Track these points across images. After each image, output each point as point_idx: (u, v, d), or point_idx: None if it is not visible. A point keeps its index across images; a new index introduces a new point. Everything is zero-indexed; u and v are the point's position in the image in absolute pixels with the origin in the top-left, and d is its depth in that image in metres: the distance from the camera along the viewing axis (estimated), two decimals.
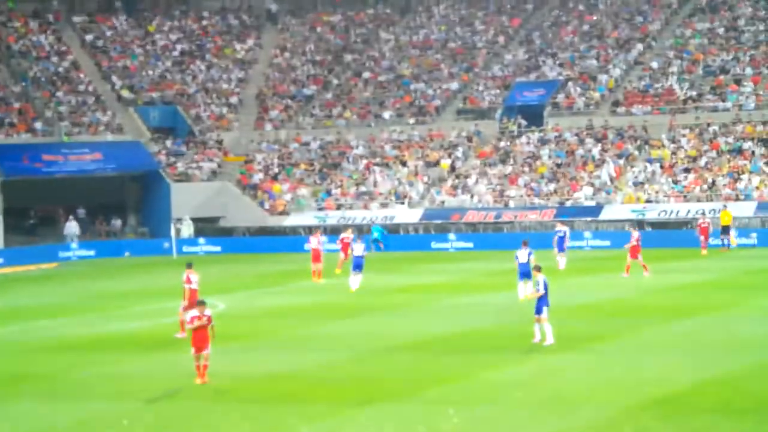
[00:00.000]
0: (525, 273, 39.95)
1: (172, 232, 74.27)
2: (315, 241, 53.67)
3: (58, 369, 31.03)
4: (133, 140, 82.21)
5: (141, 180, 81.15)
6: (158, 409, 25.58)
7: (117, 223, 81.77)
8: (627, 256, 50.09)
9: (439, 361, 30.27)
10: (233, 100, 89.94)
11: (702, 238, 60.71)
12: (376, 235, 70.45)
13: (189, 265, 36.64)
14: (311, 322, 39.01)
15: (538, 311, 31.62)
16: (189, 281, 35.90)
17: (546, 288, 31.56)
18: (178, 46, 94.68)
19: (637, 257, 49.75)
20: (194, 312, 28.15)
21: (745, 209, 66.94)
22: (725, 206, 63.91)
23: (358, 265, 47.30)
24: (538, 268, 32.23)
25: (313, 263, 52.99)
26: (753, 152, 72.12)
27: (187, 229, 76.51)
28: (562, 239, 53.52)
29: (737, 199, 68.12)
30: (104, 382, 28.94)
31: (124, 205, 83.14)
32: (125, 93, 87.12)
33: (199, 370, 28.02)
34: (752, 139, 73.34)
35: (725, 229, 62.27)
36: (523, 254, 40.74)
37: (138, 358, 32.38)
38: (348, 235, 54.98)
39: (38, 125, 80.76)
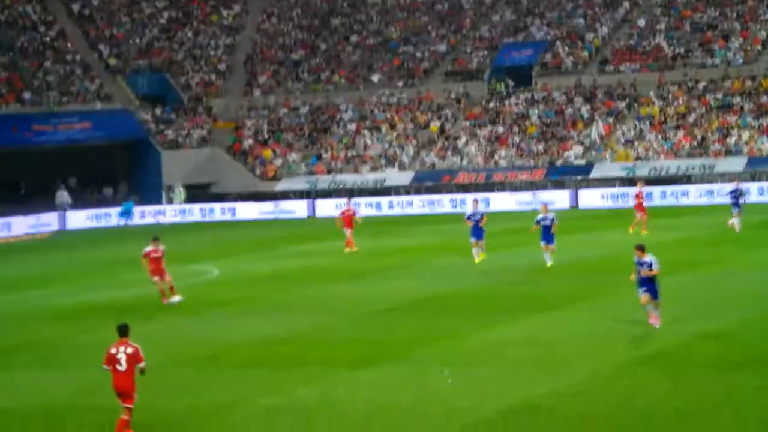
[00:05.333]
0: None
1: (164, 199, 74.23)
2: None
3: (53, 337, 31.09)
4: (122, 108, 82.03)
5: (131, 148, 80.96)
6: (153, 376, 25.60)
7: (108, 191, 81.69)
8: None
9: (432, 322, 30.38)
10: (221, 66, 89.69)
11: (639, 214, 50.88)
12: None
13: (155, 238, 37.01)
14: (305, 285, 39.09)
15: (648, 291, 27.57)
16: (154, 252, 36.28)
17: (652, 267, 27.50)
18: (165, 14, 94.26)
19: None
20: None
21: (736, 165, 67.11)
22: None
23: None
24: (642, 248, 27.80)
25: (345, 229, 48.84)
26: (742, 107, 72.17)
27: (179, 197, 76.43)
28: (737, 196, 48.88)
29: (728, 154, 68.27)
30: (98, 349, 28.84)
31: (115, 173, 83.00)
32: (113, 61, 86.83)
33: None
34: (741, 95, 73.35)
35: None
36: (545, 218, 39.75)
37: (131, 326, 32.36)
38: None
39: (27, 95, 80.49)
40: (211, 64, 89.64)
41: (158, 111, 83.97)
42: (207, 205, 75.19)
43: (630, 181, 68.33)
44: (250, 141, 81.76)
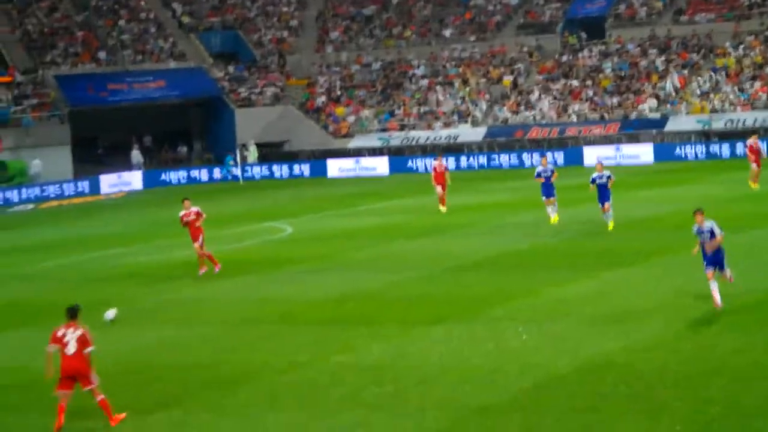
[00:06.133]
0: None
1: (238, 158, 74.72)
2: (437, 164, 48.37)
3: (128, 296, 31.54)
4: (195, 66, 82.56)
5: (205, 106, 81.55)
6: (229, 333, 25.99)
7: (183, 149, 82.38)
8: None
9: (505, 279, 30.44)
10: (293, 23, 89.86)
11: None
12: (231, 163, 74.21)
13: (183, 200, 35.24)
14: (378, 243, 39.26)
15: (714, 264, 24.75)
16: (186, 216, 34.53)
17: (713, 235, 24.60)
18: None
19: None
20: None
21: None
22: None
23: None
24: (702, 213, 25.14)
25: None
26: None
27: (253, 155, 76.87)
28: None
29: None
30: (173, 307, 29.38)
31: (189, 131, 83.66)
32: (186, 20, 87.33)
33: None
34: None
35: None
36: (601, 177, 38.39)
37: (205, 284, 32.82)
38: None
39: (102, 54, 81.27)
40: (283, 21, 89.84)
41: (231, 69, 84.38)
42: (281, 163, 75.54)
43: (705, 135, 67.73)
44: (323, 98, 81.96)
